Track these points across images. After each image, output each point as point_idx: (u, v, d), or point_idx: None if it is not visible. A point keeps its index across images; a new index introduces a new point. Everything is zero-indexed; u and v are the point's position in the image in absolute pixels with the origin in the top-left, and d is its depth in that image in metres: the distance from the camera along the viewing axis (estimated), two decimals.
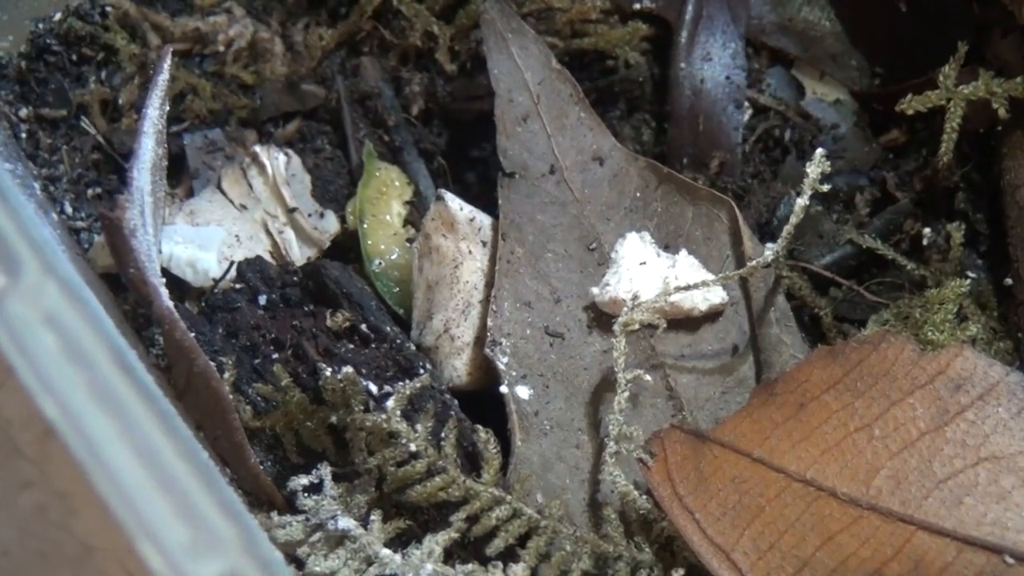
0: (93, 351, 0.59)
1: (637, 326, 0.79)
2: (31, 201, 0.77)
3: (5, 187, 0.64)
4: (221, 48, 0.88)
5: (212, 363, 0.77)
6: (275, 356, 0.82)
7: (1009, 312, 0.81)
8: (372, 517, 0.75)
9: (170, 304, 0.76)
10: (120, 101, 0.91)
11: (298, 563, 0.74)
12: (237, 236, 0.85)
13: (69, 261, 0.70)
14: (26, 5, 0.91)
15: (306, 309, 0.84)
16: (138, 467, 0.57)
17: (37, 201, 0.81)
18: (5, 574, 0.92)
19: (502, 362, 0.80)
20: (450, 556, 0.76)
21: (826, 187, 0.82)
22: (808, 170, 0.79)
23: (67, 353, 0.58)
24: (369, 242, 0.86)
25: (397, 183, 0.87)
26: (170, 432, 0.59)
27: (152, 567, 0.57)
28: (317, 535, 0.74)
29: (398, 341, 0.83)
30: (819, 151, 0.80)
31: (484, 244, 0.82)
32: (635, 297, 0.79)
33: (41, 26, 0.90)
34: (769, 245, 0.80)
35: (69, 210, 0.87)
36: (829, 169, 0.82)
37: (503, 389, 0.80)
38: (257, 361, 0.82)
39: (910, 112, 0.81)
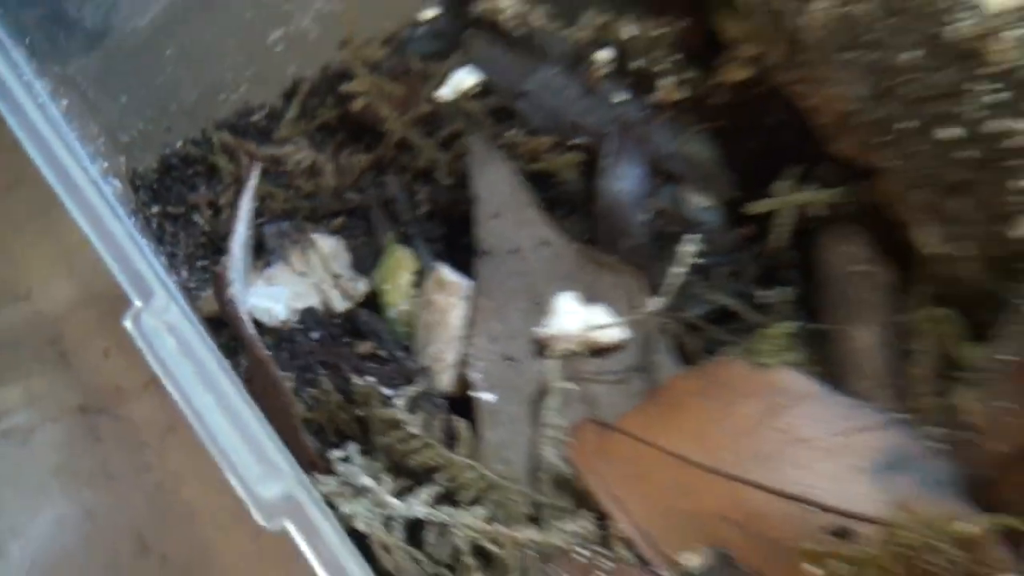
0: (200, 351, 0.72)
1: (566, 353, 0.93)
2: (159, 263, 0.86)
3: (140, 245, 0.76)
4: (290, 167, 1.01)
5: (279, 375, 0.90)
6: (322, 372, 0.94)
7: (821, 347, 0.92)
8: (384, 477, 0.88)
9: (254, 331, 0.90)
10: (220, 202, 1.03)
11: (332, 506, 0.85)
12: (298, 293, 0.97)
13: (184, 299, 0.81)
14: (159, 138, 1.03)
15: (344, 341, 0.97)
16: (230, 429, 0.71)
17: (164, 266, 0.90)
18: (136, 529, 1.06)
19: (475, 377, 0.93)
20: (435, 504, 0.87)
21: (699, 261, 0.95)
22: (683, 250, 0.92)
23: (182, 351, 0.72)
24: (387, 298, 0.98)
25: (407, 260, 0.98)
26: (251, 409, 0.73)
27: (237, 489, 0.69)
28: (347, 488, 0.87)
29: (404, 362, 0.95)
30: (693, 239, 0.93)
31: (465, 299, 0.94)
32: (564, 334, 0.92)
33: (168, 151, 1.03)
34: (657, 300, 0.93)
35: (184, 275, 0.99)
36: (700, 250, 0.95)
37: (475, 395, 0.93)
38: (309, 375, 0.94)
39: (756, 213, 0.94)
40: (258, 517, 0.68)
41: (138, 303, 0.71)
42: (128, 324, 0.71)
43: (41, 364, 1.10)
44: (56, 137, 0.73)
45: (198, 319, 0.90)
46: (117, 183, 0.98)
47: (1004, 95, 0.85)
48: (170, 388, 0.70)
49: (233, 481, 0.68)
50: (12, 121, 0.74)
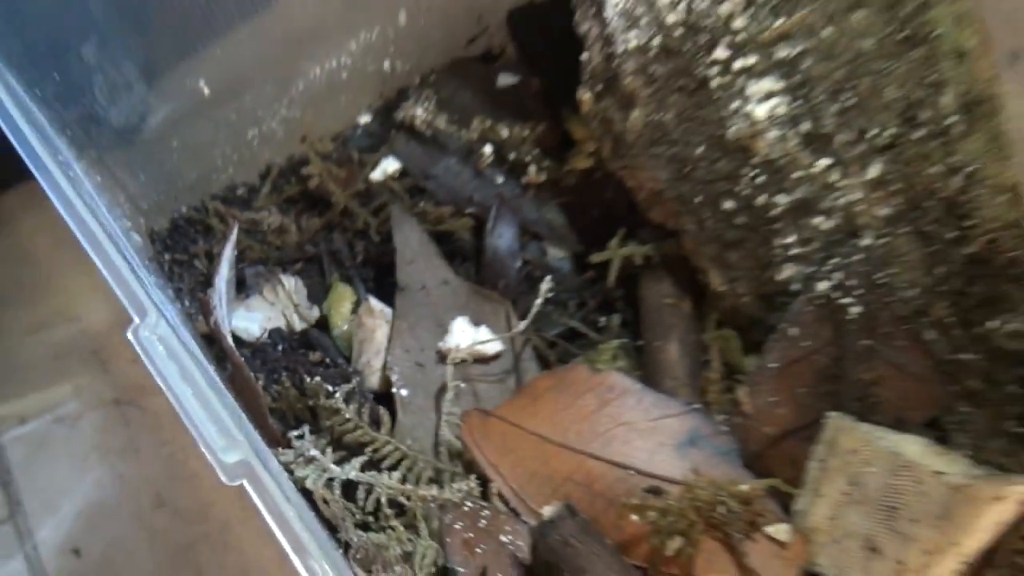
0: (181, 355, 0.69)
1: (459, 361, 0.91)
2: (165, 295, 0.87)
3: (141, 278, 0.73)
4: (264, 227, 0.99)
5: (252, 376, 0.88)
6: (284, 374, 0.92)
7: (640, 358, 0.91)
8: (327, 450, 0.86)
9: (232, 344, 0.88)
10: (213, 252, 1.00)
11: (289, 471, 0.84)
12: (269, 317, 0.96)
13: (180, 322, 0.79)
14: (169, 206, 1.01)
15: (300, 352, 0.96)
16: (201, 412, 0.68)
17: (169, 297, 0.90)
18: (155, 488, 1.04)
19: (394, 378, 0.92)
20: (363, 470, 0.85)
21: (554, 295, 0.94)
22: (543, 287, 0.91)
23: (168, 354, 0.69)
24: (333, 321, 0.96)
25: (348, 294, 0.97)
26: (219, 397, 0.69)
27: (207, 455, 0.66)
28: (300, 458, 0.85)
29: (343, 367, 0.94)
30: (550, 280, 0.92)
31: (387, 322, 0.92)
32: (457, 347, 0.91)
33: (176, 215, 1.01)
34: (524, 323, 0.92)
35: (187, 304, 0.97)
36: (554, 287, 0.93)
37: (394, 391, 0.91)
38: (274, 376, 0.92)
39: (596, 261, 0.94)
40: (222, 476, 0.66)
41: (137, 319, 0.69)
42: (129, 335, 0.69)
43: (86, 368, 1.09)
44: (82, 203, 0.72)
45: (195, 336, 0.89)
46: (138, 237, 0.97)
47: (765, 178, 0.85)
48: (159, 381, 0.68)
49: (204, 450, 0.66)
50: (53, 195, 0.73)
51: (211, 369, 0.76)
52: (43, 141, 0.77)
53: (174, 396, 0.68)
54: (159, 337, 0.69)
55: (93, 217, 0.73)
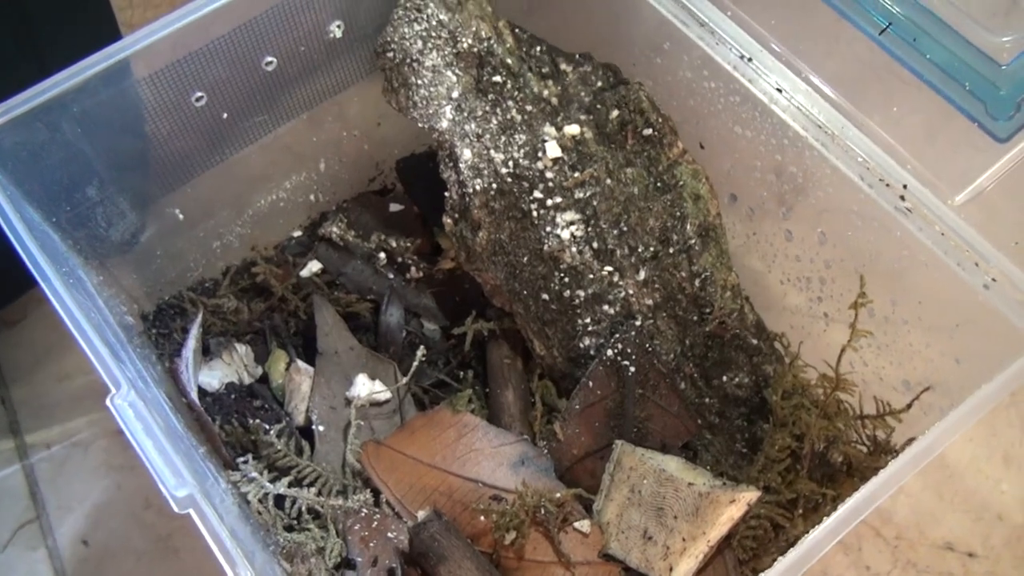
0: (145, 415, 0.65)
1: (360, 405, 0.87)
2: (148, 362, 0.81)
3: (121, 357, 0.68)
4: (225, 309, 0.94)
5: (210, 420, 0.84)
6: (235, 416, 0.87)
7: (487, 402, 0.88)
8: (264, 472, 0.82)
9: (195, 398, 0.84)
10: (187, 328, 0.93)
11: (236, 486, 0.80)
12: (226, 374, 0.90)
13: (152, 382, 0.73)
14: (155, 295, 0.96)
15: (247, 399, 0.90)
16: (158, 457, 0.63)
17: (153, 362, 0.85)
18: (145, 494, 0.98)
19: (314, 418, 0.87)
20: (290, 486, 0.82)
21: (427, 357, 0.92)
22: (419, 352, 0.88)
23: (134, 416, 0.64)
24: (272, 377, 0.91)
25: (283, 357, 0.92)
26: (178, 447, 0.65)
27: (161, 490, 0.62)
28: (244, 478, 0.81)
29: (278, 411, 0.90)
30: (423, 348, 0.90)
31: (310, 377, 0.88)
32: (359, 395, 0.87)
33: (160, 302, 0.96)
34: (405, 378, 0.89)
35: (167, 366, 0.89)
36: (427, 352, 0.92)
37: (313, 427, 0.87)
38: (228, 417, 0.87)
39: (457, 333, 0.90)
40: (174, 507, 0.61)
41: (113, 390, 0.65)
42: (107, 403, 0.64)
43: (96, 407, 1.03)
44: (75, 304, 0.68)
45: (169, 392, 0.83)
46: (130, 319, 0.91)
47: (569, 279, 0.84)
48: (128, 435, 0.63)
49: (160, 486, 0.62)
50: (53, 300, 0.69)
51: (175, 422, 0.72)
52: (52, 256, 0.72)
53: (139, 447, 0.63)
54: (129, 403, 0.65)
55: (83, 315, 0.68)
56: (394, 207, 1.03)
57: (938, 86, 0.71)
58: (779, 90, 0.76)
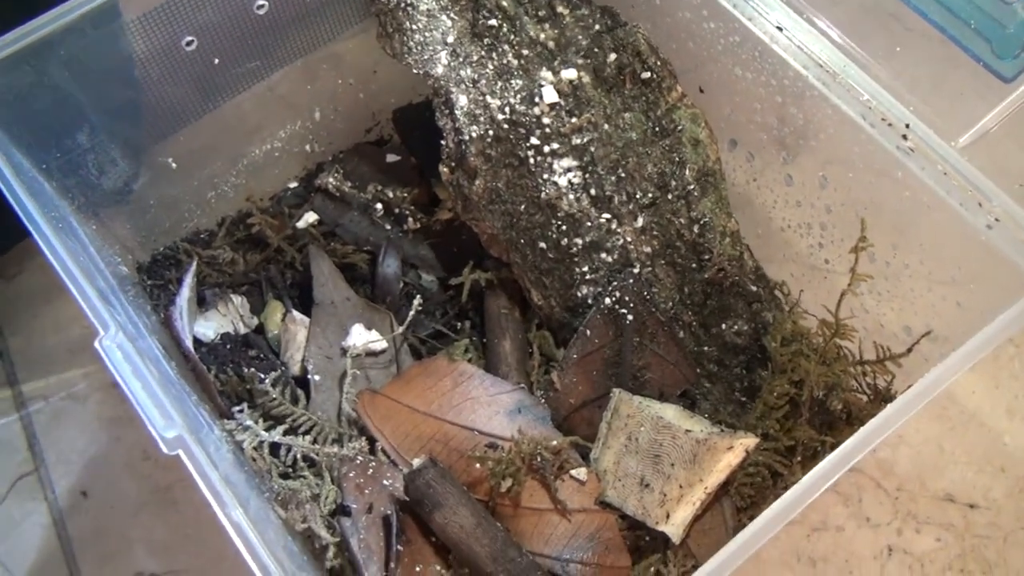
0: (134, 357, 0.64)
1: (356, 355, 0.86)
2: (143, 311, 0.81)
3: (109, 300, 0.68)
4: (220, 260, 0.94)
5: (205, 368, 0.83)
6: (230, 366, 0.87)
7: (484, 352, 0.87)
8: (259, 421, 0.82)
9: (190, 346, 0.83)
10: (182, 278, 0.90)
11: (232, 435, 0.79)
12: (221, 325, 0.89)
13: (145, 331, 0.73)
14: (149, 246, 0.94)
15: (242, 349, 0.89)
16: (148, 400, 0.63)
17: (148, 312, 0.85)
18: (142, 445, 0.97)
19: (309, 367, 0.86)
20: (285, 434, 0.81)
21: (424, 307, 0.91)
22: (416, 302, 0.89)
23: (123, 358, 0.64)
24: (268, 327, 0.91)
25: (279, 308, 0.92)
26: (163, 388, 0.64)
27: (151, 432, 0.62)
28: (240, 427, 0.80)
29: (273, 360, 0.89)
30: (419, 297, 0.90)
31: (306, 327, 0.88)
32: (355, 345, 0.87)
33: (155, 252, 0.96)
34: (402, 328, 0.88)
35: (162, 316, 0.87)
36: (423, 302, 0.91)
37: (309, 376, 0.86)
38: (223, 367, 0.87)
39: (454, 283, 0.89)
40: (163, 447, 0.61)
41: (101, 332, 0.64)
42: (96, 344, 0.64)
43: (92, 359, 1.01)
44: (65, 250, 0.68)
45: (163, 341, 0.82)
46: (124, 269, 0.90)
47: (567, 227, 0.83)
48: (117, 378, 0.63)
49: (149, 428, 0.61)
50: (42, 245, 0.68)
51: (168, 368, 0.71)
52: (42, 202, 0.71)
53: (127, 387, 0.63)
54: (117, 345, 0.64)
55: (73, 260, 0.68)
56: (391, 158, 1.02)
57: (943, 25, 0.69)
58: (780, 28, 0.74)
